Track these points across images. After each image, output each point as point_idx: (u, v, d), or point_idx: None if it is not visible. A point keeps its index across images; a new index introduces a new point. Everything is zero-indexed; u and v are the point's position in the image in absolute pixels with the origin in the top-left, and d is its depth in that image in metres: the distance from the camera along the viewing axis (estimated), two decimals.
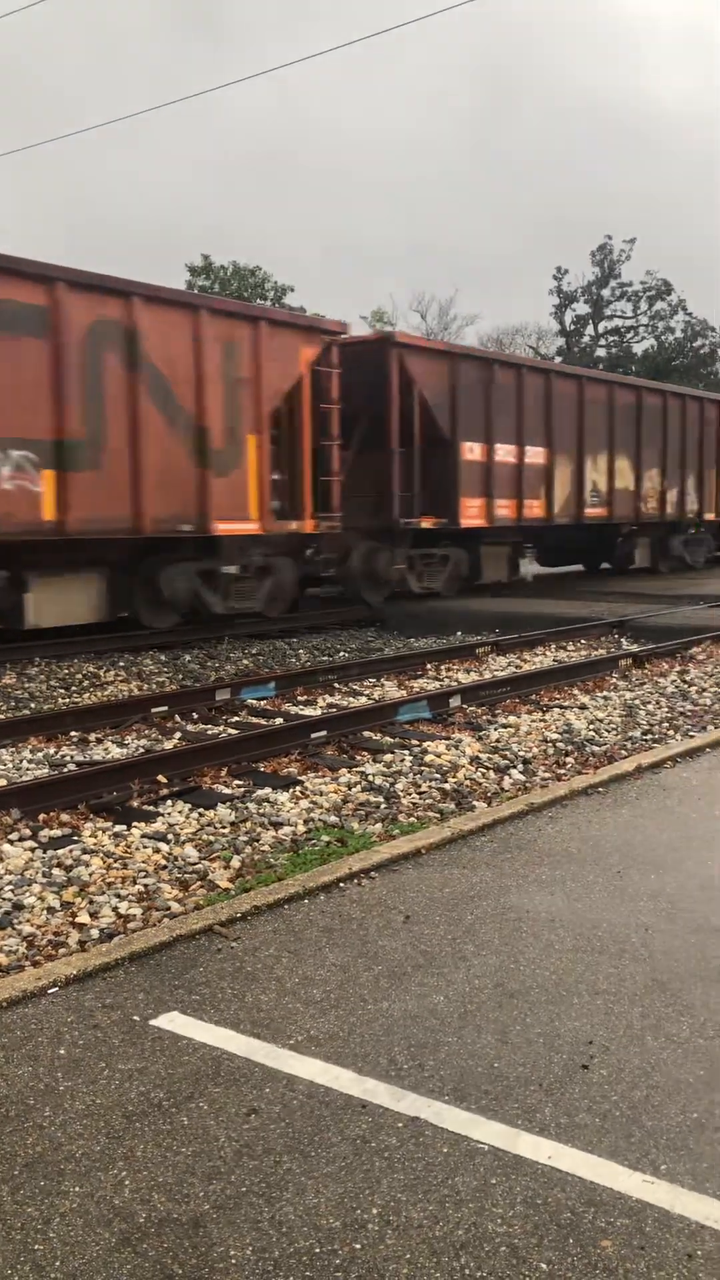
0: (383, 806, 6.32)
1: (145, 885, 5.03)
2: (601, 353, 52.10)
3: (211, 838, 5.74)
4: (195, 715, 9.17)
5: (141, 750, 7.89)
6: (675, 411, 22.77)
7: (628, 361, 50.26)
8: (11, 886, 4.97)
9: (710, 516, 23.61)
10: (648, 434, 21.66)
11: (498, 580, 18.95)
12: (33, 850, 5.49)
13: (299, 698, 10.08)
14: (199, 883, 5.12)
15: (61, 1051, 3.35)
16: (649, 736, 8.29)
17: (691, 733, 8.36)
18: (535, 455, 18.77)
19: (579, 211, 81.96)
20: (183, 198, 77.21)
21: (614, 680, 10.66)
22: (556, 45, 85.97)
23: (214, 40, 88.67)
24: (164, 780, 6.80)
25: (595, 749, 7.86)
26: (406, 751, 7.59)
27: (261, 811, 6.17)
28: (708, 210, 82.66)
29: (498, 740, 8.00)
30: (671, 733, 8.41)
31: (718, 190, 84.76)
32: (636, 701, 9.48)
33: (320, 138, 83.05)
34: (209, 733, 8.49)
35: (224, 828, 5.92)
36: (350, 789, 6.67)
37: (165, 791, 6.60)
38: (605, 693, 10.00)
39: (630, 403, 21.25)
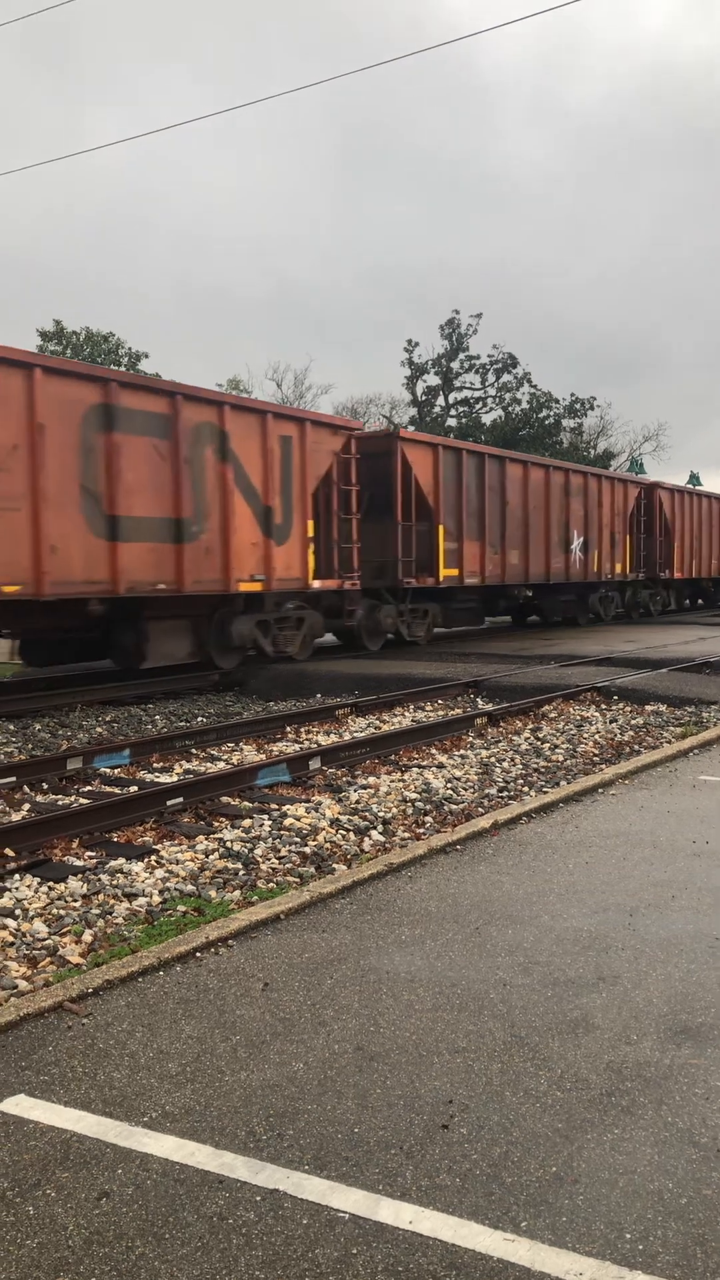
0: (241, 873, 6.22)
1: None
2: (452, 422, 53.70)
3: (62, 912, 5.53)
4: (45, 785, 8.88)
5: None
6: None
7: (477, 431, 51.92)
8: None
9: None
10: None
11: None
12: None
13: (155, 764, 9.89)
14: (49, 959, 4.92)
15: None
16: (505, 793, 8.42)
17: (545, 789, 8.53)
18: None
19: (434, 278, 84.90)
20: (33, 254, 76.52)
21: (470, 739, 10.82)
22: (417, 111, 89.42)
23: (66, 77, 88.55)
24: (11, 854, 6.55)
25: (453, 807, 7.93)
26: (265, 816, 7.51)
27: (115, 883, 5.99)
28: (553, 282, 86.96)
29: (357, 801, 8.00)
30: (526, 789, 8.57)
31: (561, 261, 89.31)
32: (492, 759, 9.63)
33: (181, 195, 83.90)
34: (60, 803, 8.23)
35: (75, 901, 5.72)
36: (208, 856, 6.55)
37: (13, 865, 6.34)
38: (462, 751, 10.13)
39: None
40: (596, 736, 10.90)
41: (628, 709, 12.68)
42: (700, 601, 35.24)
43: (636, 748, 10.37)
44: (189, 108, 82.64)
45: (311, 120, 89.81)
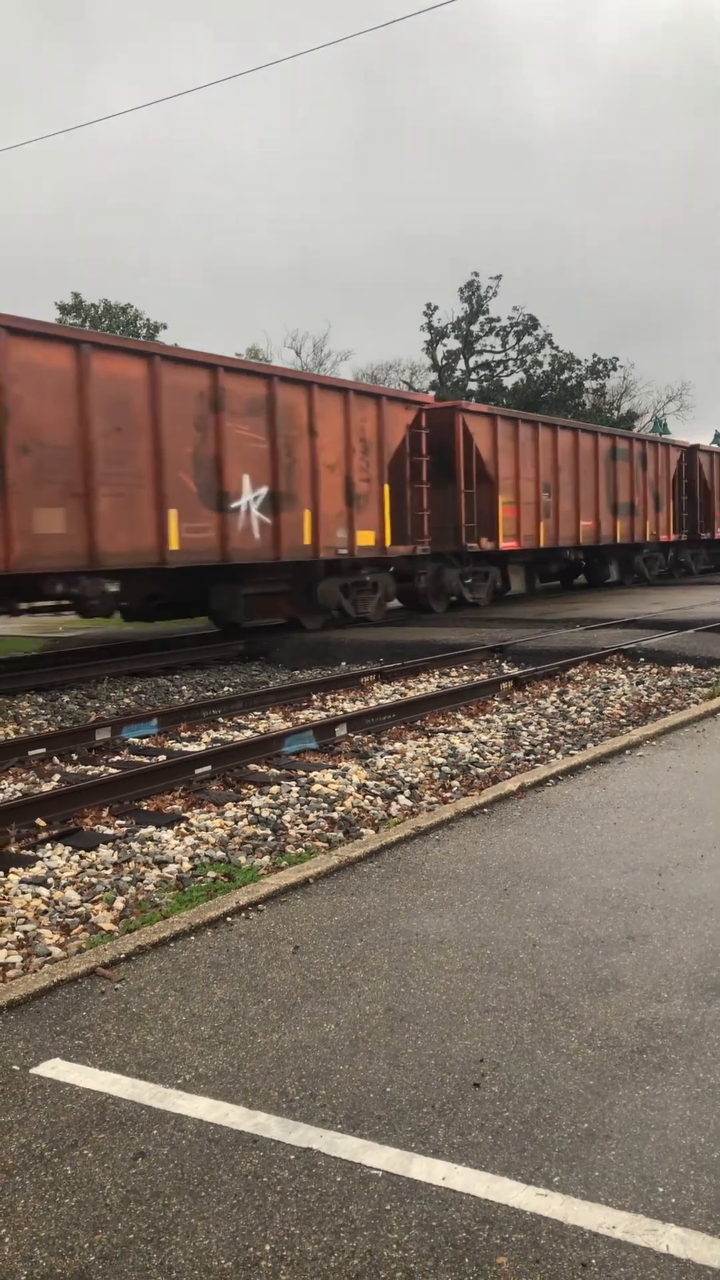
0: (270, 839, 6.25)
1: (24, 932, 4.86)
2: (474, 386, 53.25)
3: (94, 880, 5.59)
4: (75, 756, 8.95)
5: (18, 794, 7.65)
6: None
7: (499, 394, 51.47)
8: None
9: None
10: None
11: None
12: None
13: (183, 734, 9.94)
14: (81, 926, 4.97)
15: None
16: (531, 756, 8.41)
17: (572, 751, 8.51)
18: None
19: (455, 239, 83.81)
20: (53, 224, 76.20)
21: (496, 703, 10.81)
22: (437, 67, 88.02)
23: (80, 37, 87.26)
24: (43, 823, 6.61)
25: (480, 771, 7.93)
26: (293, 783, 7.54)
27: (145, 850, 6.04)
28: (577, 239, 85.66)
29: (384, 767, 8.01)
30: (553, 752, 8.56)
31: (585, 218, 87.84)
32: (518, 723, 9.62)
33: (199, 161, 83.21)
34: (89, 773, 8.29)
35: (107, 869, 5.77)
36: (236, 823, 6.59)
37: (44, 835, 6.40)
38: (488, 716, 10.12)
39: None
40: (623, 699, 10.85)
41: (654, 671, 12.61)
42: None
43: (664, 709, 10.32)
44: (206, 70, 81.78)
45: (331, 81, 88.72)
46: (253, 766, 8.16)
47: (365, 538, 16.82)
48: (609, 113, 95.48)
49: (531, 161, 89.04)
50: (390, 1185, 2.74)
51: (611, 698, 10.89)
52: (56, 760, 8.82)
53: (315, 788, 7.34)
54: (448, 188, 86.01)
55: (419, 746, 8.74)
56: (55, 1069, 3.40)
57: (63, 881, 5.56)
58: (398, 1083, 3.26)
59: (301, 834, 6.37)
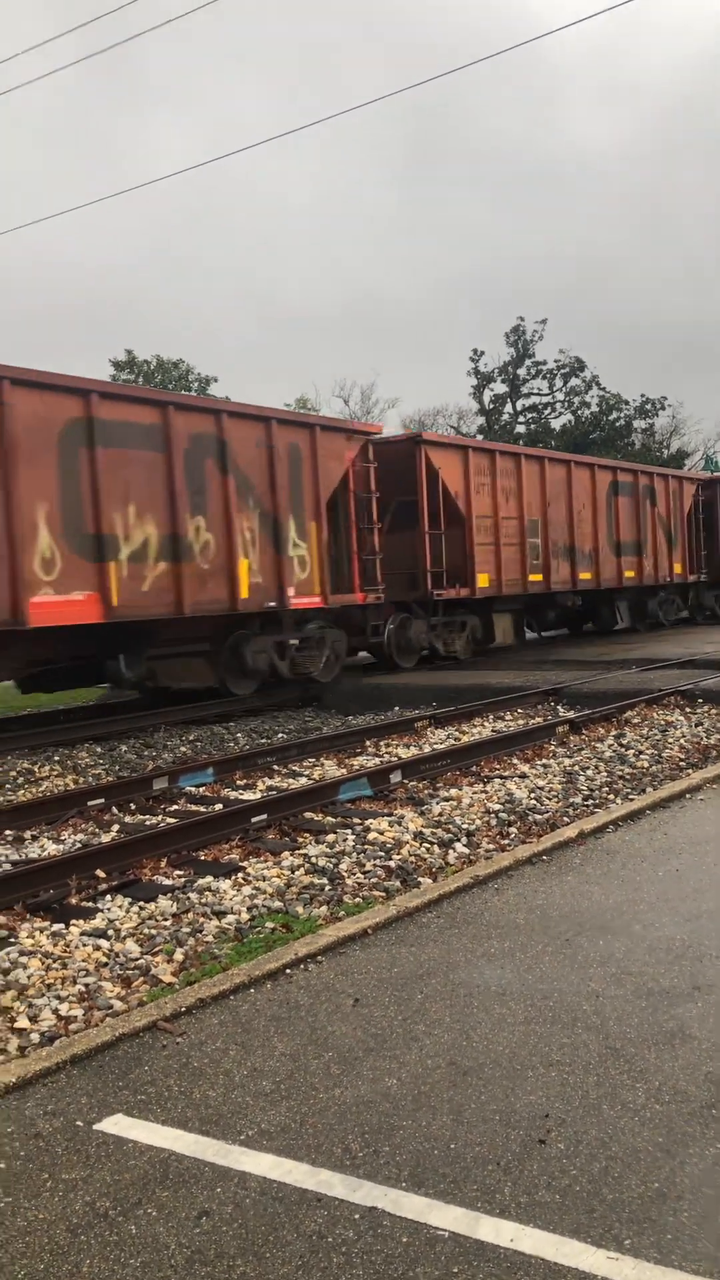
0: (327, 888, 6.23)
1: (86, 985, 4.88)
2: (521, 429, 53.38)
3: (153, 931, 5.60)
4: (133, 806, 9.01)
5: (78, 845, 7.72)
6: None
7: (547, 437, 51.51)
8: None
9: None
10: None
11: None
12: None
13: (238, 782, 9.97)
14: (142, 978, 4.98)
15: (1, 1165, 3.20)
16: (590, 802, 8.32)
17: (631, 796, 8.41)
18: None
19: (504, 280, 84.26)
20: (96, 276, 78.05)
21: (553, 747, 10.71)
22: (484, 104, 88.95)
23: (129, 86, 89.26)
24: (102, 875, 6.65)
25: (538, 817, 7.86)
26: (349, 830, 7.52)
27: (204, 901, 6.05)
28: (625, 275, 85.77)
29: (440, 814, 7.96)
30: (612, 797, 8.46)
31: (632, 253, 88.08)
32: (576, 767, 9.53)
33: (245, 209, 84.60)
34: (147, 823, 8.34)
35: (166, 920, 5.78)
36: (293, 872, 6.58)
37: (104, 886, 6.44)
38: (545, 760, 10.04)
39: None
40: (682, 741, 10.71)
41: (713, 712, 12.44)
42: None
43: None
44: (254, 115, 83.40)
45: (377, 122, 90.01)
46: (308, 814, 8.16)
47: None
48: (655, 146, 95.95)
49: (577, 196, 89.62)
50: (457, 1246, 2.70)
51: (670, 740, 10.75)
52: (115, 810, 8.89)
53: (371, 835, 7.31)
54: (494, 226, 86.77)
55: (475, 792, 8.68)
56: (118, 1125, 3.40)
57: (123, 933, 5.58)
58: (462, 1139, 3.21)
59: (359, 883, 6.34)
